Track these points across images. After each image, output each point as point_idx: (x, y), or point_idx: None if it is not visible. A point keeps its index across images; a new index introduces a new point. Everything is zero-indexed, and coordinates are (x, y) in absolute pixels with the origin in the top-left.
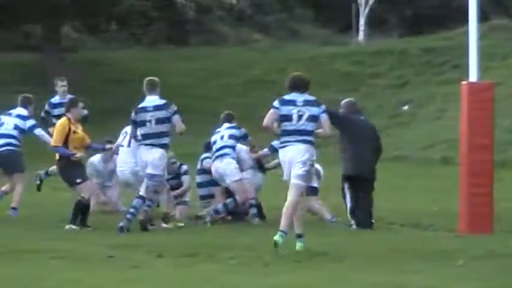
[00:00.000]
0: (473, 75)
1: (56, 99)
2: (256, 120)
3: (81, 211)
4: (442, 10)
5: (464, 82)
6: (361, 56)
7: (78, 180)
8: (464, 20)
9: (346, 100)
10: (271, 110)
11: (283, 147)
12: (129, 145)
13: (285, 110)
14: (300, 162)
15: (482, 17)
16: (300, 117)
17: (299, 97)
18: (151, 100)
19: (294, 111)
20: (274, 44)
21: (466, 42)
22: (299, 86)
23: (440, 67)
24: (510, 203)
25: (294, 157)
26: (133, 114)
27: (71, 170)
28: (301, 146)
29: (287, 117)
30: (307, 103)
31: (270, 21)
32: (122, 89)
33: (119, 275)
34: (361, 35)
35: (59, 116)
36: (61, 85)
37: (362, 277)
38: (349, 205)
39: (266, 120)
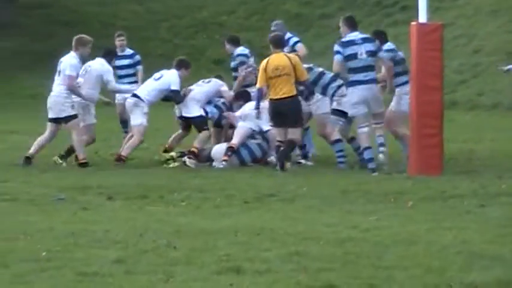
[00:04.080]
0: (422, 16)
1: None
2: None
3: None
4: None
5: (413, 23)
6: None
7: None
8: None
9: None
10: None
11: None
12: None
13: None
14: None
15: None
16: None
17: None
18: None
19: None
20: None
21: None
22: None
23: (391, 8)
24: (459, 143)
25: None
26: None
27: None
28: None
29: None
30: None
31: None
32: (71, 31)
33: (70, 217)
34: None
35: None
36: None
37: (314, 218)
38: None
39: None
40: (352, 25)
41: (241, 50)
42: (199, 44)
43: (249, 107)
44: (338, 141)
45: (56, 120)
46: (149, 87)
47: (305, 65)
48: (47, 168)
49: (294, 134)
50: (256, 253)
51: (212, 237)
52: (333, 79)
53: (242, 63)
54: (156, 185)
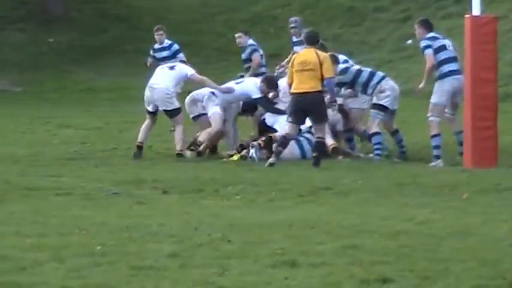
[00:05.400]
0: (476, 9)
1: None
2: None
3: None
4: None
5: (467, 16)
6: None
7: None
8: None
9: None
10: None
11: None
12: None
13: None
14: None
15: None
16: None
17: None
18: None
19: None
20: None
21: None
22: None
23: (445, 1)
24: None
25: None
26: None
27: None
28: None
29: None
30: None
31: None
32: (123, 26)
33: (124, 211)
34: None
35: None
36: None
37: (368, 211)
38: None
39: None
40: (429, 27)
41: (251, 41)
42: (253, 37)
43: None
44: (376, 133)
45: (155, 114)
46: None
47: (342, 66)
48: (101, 163)
49: (319, 131)
50: (310, 246)
51: (267, 231)
52: (371, 76)
53: (255, 50)
54: (210, 178)
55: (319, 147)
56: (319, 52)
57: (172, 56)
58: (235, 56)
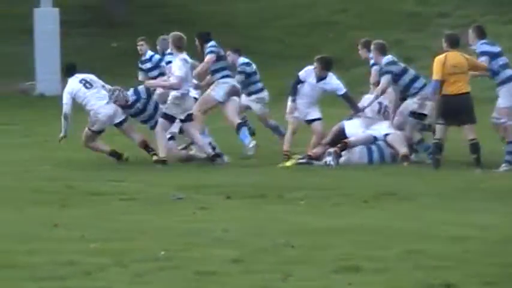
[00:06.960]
0: None
1: None
2: None
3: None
4: None
5: None
6: None
7: None
8: None
9: None
10: None
11: None
12: None
13: None
14: None
15: None
16: None
17: None
18: None
19: None
20: None
21: None
22: None
23: (507, 6)
24: None
25: None
26: None
27: None
28: None
29: None
30: None
31: None
32: (185, 31)
33: (187, 216)
34: None
35: None
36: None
37: (431, 216)
38: None
39: None
40: (483, 34)
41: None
42: (311, 42)
43: (371, 112)
44: (420, 141)
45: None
46: None
47: (389, 57)
48: (164, 167)
49: (470, 131)
50: (374, 251)
51: (330, 236)
52: (414, 79)
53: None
54: (274, 184)
55: (475, 148)
56: (464, 54)
57: (155, 68)
58: (292, 61)
